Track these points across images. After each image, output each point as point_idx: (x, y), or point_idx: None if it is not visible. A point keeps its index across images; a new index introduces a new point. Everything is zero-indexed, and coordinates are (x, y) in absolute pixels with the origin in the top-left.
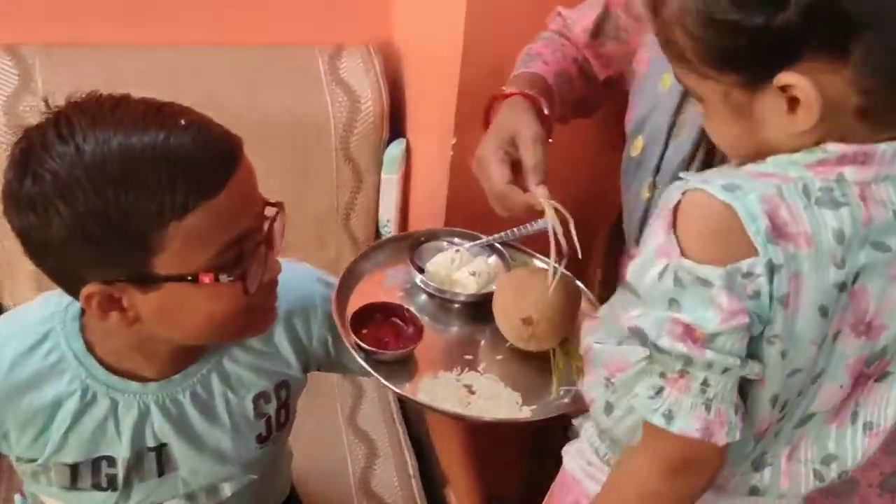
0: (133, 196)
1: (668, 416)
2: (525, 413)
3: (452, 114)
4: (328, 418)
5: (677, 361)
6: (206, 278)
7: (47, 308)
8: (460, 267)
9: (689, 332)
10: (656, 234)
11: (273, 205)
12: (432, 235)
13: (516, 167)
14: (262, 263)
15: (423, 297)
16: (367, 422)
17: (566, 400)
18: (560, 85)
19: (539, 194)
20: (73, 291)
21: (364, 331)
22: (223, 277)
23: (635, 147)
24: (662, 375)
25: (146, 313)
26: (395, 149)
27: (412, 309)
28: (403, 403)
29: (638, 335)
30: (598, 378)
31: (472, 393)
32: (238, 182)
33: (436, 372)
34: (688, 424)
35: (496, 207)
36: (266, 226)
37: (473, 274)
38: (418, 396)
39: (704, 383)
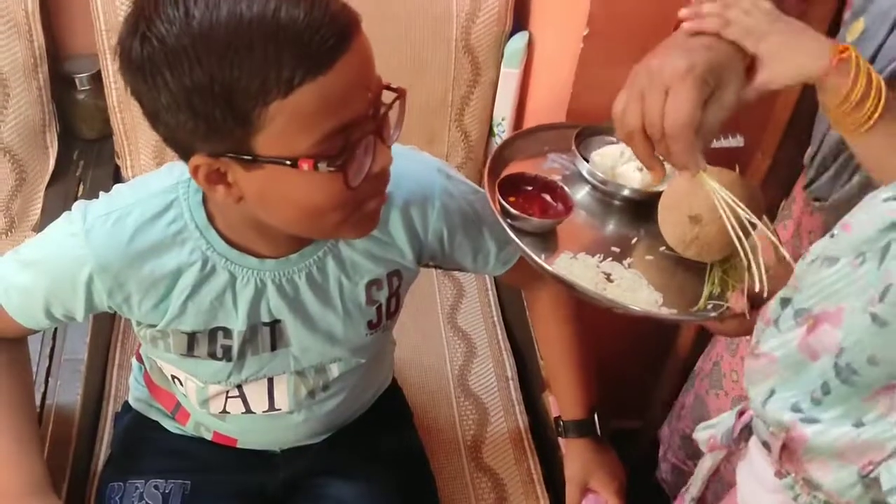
0: (237, 70)
1: None
2: (663, 312)
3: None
4: (428, 314)
5: None
6: (306, 165)
7: (172, 177)
8: (628, 161)
9: None
10: None
11: (393, 90)
12: (601, 131)
13: None
14: (368, 154)
15: (584, 187)
16: (466, 321)
17: (712, 314)
18: None
19: (702, 165)
20: (185, 159)
21: (511, 198)
22: (322, 167)
23: (852, 31)
24: None
25: (248, 193)
26: (518, 42)
27: (566, 188)
28: (504, 305)
29: None
30: (842, 476)
31: (611, 281)
32: (350, 62)
33: (576, 252)
34: None
35: (630, 141)
36: (381, 113)
37: (641, 170)
38: (553, 268)
39: None
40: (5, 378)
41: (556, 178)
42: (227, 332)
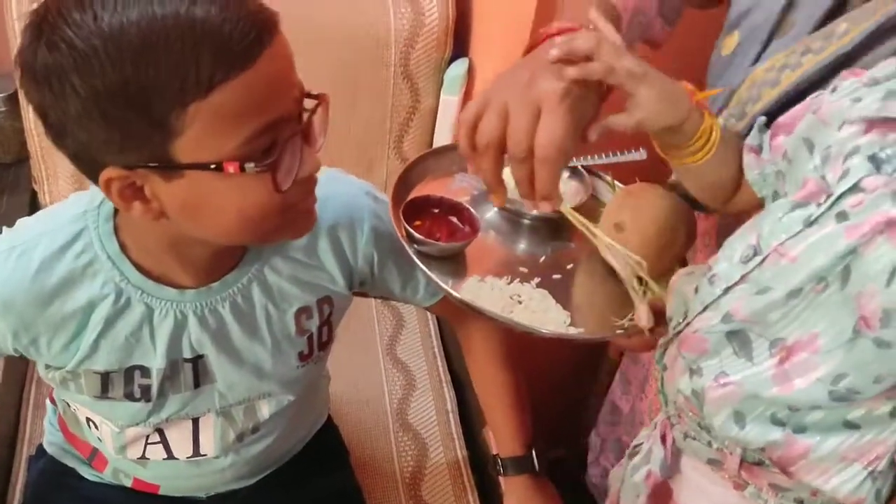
0: (153, 70)
1: None
2: (571, 332)
3: (529, 26)
4: (367, 346)
5: None
6: (231, 167)
7: (79, 206)
8: None
9: None
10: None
11: (314, 97)
12: None
13: None
14: (296, 157)
15: (491, 207)
16: (406, 353)
17: (618, 332)
18: (633, 24)
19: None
20: (94, 177)
21: (417, 222)
22: (249, 167)
23: (727, 45)
24: None
25: (171, 206)
26: (458, 68)
27: (472, 210)
28: (445, 337)
29: None
30: (848, 477)
31: (519, 303)
32: (270, 60)
33: (484, 276)
34: None
35: (479, 154)
36: (305, 118)
37: None
38: (460, 294)
39: None
40: None
41: (465, 198)
42: (145, 371)
